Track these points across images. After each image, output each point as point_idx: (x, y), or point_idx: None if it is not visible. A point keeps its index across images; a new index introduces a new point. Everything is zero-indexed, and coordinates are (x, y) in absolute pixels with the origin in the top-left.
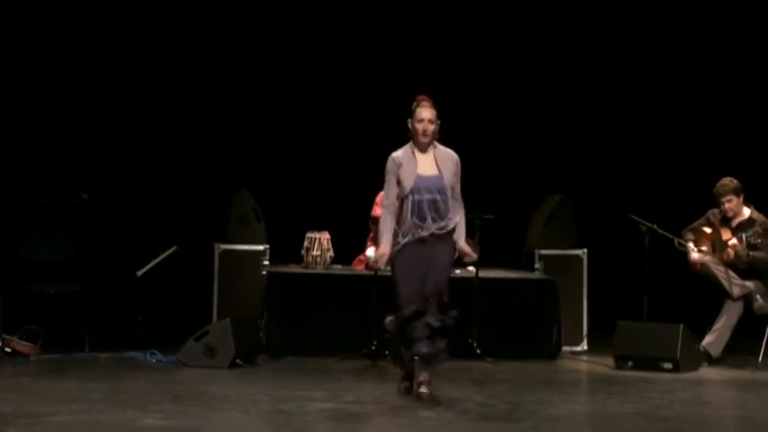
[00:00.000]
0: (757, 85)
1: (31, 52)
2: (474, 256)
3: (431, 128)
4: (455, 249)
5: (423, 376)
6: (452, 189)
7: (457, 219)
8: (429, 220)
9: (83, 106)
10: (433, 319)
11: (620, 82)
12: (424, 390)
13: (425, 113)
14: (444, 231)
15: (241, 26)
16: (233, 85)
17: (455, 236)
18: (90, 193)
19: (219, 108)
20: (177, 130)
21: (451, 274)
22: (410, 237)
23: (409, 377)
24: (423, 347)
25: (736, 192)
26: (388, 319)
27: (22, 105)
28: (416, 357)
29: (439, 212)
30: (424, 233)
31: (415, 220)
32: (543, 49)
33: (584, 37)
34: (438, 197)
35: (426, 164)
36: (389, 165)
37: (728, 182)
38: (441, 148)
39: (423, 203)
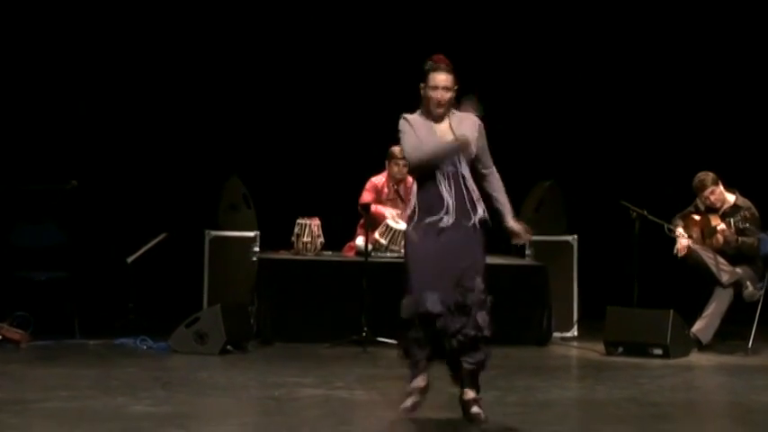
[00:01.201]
0: (744, 71)
1: (18, 39)
2: (526, 236)
3: (447, 96)
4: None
5: (470, 394)
6: (479, 160)
7: (496, 196)
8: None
9: (73, 93)
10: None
11: (610, 68)
12: (477, 410)
13: (441, 79)
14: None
15: (230, 13)
16: (223, 72)
17: (503, 213)
18: (80, 180)
19: (210, 94)
20: (168, 117)
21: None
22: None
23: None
24: (466, 358)
25: (715, 182)
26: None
27: (11, 92)
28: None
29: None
30: (445, 221)
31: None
32: (532, 36)
33: (572, 25)
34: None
35: (441, 131)
36: (402, 123)
37: (704, 175)
38: (458, 113)
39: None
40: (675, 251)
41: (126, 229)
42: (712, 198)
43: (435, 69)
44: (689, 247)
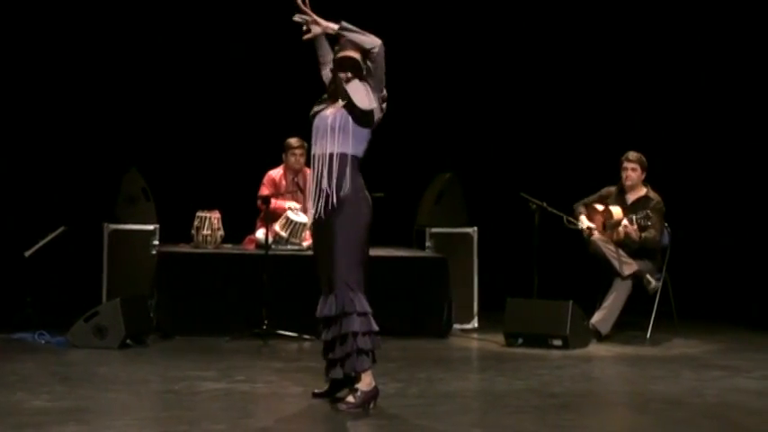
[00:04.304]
0: (643, 65)
1: None
2: None
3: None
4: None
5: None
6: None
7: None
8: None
9: None
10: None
11: (509, 61)
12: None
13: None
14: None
15: (127, 4)
16: (122, 63)
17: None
18: None
19: (108, 86)
20: (65, 108)
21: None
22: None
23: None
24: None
25: (641, 164)
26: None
27: None
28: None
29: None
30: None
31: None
32: (429, 27)
33: (470, 18)
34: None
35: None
36: None
37: (637, 153)
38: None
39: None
40: (586, 230)
41: (23, 223)
42: (630, 172)
43: (339, 44)
44: (591, 237)
